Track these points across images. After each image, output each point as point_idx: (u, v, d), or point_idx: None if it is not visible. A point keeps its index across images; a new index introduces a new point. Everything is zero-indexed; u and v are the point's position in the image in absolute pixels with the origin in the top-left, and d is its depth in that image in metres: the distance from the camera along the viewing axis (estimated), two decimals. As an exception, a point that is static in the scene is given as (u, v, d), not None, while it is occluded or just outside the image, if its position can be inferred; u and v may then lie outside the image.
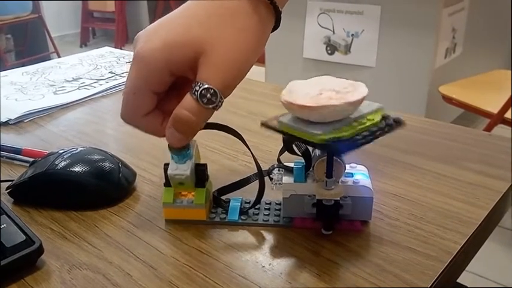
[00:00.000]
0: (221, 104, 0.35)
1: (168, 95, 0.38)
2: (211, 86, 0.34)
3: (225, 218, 0.41)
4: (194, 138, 0.39)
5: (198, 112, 0.35)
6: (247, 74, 0.37)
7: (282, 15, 0.38)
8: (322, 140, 0.33)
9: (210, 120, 0.37)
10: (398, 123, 0.36)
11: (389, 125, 0.36)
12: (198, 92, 0.34)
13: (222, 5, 0.35)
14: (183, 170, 0.38)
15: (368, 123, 0.35)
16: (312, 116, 0.34)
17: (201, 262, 0.36)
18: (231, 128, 0.41)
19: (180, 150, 0.38)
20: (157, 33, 0.35)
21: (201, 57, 0.34)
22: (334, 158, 0.36)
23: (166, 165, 0.40)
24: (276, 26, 0.38)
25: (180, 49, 0.34)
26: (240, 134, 0.41)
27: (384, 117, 0.36)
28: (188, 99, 0.35)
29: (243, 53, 0.35)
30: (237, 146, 0.54)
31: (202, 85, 0.34)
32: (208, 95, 0.34)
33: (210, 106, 0.34)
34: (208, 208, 0.41)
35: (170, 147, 0.38)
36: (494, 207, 0.42)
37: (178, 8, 0.36)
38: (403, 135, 0.56)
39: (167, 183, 0.40)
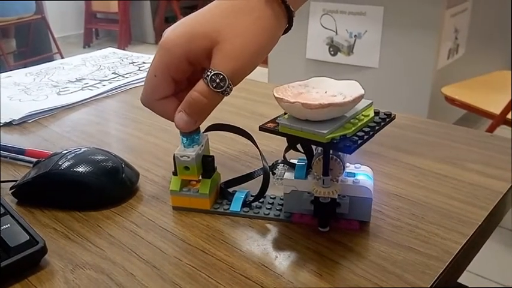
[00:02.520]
0: (229, 90, 0.38)
1: (188, 90, 0.40)
2: (220, 72, 0.37)
3: (228, 209, 0.42)
4: (206, 133, 0.43)
5: (208, 95, 0.38)
6: (250, 75, 0.40)
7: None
8: (330, 138, 0.34)
9: (216, 121, 0.37)
10: (389, 116, 0.38)
11: (383, 118, 0.38)
12: (209, 77, 0.37)
13: (237, 4, 0.39)
14: (189, 153, 0.41)
15: (365, 119, 0.36)
16: (314, 115, 0.34)
17: (204, 262, 0.36)
18: (241, 129, 0.43)
19: (190, 133, 0.41)
20: (180, 25, 0.39)
21: (215, 47, 0.38)
22: (333, 156, 0.36)
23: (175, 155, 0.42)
24: (289, 27, 0.42)
25: (198, 39, 0.38)
26: (250, 134, 0.43)
27: (376, 113, 0.38)
28: (200, 83, 0.38)
29: (253, 45, 0.38)
30: (239, 147, 0.54)
31: (213, 71, 0.37)
32: (218, 80, 0.37)
33: (219, 90, 0.38)
34: (213, 198, 0.43)
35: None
36: (494, 208, 0.42)
37: (202, 8, 0.41)
38: (405, 136, 0.56)
39: (175, 172, 0.42)
